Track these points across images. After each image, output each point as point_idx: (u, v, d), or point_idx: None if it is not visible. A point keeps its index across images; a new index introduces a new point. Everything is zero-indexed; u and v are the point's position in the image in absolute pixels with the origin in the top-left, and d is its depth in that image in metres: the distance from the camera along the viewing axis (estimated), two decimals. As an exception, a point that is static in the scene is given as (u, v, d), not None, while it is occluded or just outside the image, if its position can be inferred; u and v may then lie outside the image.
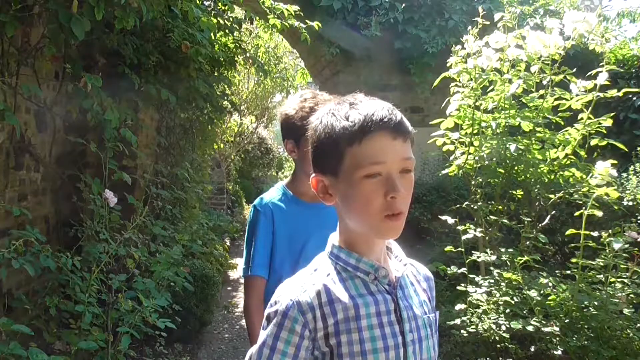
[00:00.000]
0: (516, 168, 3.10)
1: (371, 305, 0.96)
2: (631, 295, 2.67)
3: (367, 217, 0.94)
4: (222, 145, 9.14)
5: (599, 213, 2.63)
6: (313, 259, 1.06)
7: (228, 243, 7.54)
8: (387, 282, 0.99)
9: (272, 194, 1.77)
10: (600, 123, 2.82)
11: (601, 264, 2.67)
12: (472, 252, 3.04)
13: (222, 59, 4.24)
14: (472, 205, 3.21)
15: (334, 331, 0.94)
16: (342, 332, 0.93)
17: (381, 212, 0.93)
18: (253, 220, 1.74)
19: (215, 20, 3.66)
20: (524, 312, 2.79)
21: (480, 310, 2.88)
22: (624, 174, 4.35)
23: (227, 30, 4.03)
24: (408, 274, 1.05)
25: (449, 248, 3.07)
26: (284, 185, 1.78)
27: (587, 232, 2.60)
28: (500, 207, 3.25)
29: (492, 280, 2.92)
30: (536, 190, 3.09)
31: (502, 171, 3.12)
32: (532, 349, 2.78)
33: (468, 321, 2.85)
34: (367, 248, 0.99)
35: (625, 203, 3.95)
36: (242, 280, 1.87)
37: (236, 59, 4.73)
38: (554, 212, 3.24)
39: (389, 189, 0.91)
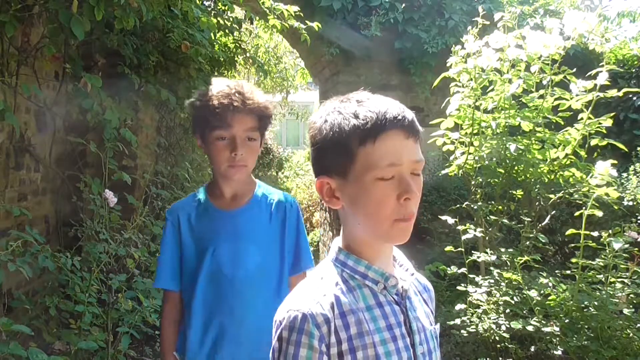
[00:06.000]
0: (516, 168, 3.10)
1: (381, 319, 0.90)
2: (631, 295, 2.67)
3: (378, 221, 0.88)
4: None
5: (599, 213, 2.62)
6: (317, 266, 0.99)
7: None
8: (396, 292, 0.94)
9: (186, 199, 1.66)
10: (600, 123, 2.82)
11: (601, 264, 2.66)
12: (472, 252, 3.04)
13: (222, 59, 4.24)
14: (472, 205, 3.21)
15: (348, 348, 0.86)
16: (358, 348, 0.86)
17: (392, 216, 0.87)
18: (164, 228, 1.63)
19: (215, 20, 3.66)
20: (524, 312, 2.79)
21: (480, 310, 2.88)
22: (624, 174, 4.35)
23: (227, 30, 4.03)
24: (413, 283, 1.00)
25: (449, 248, 3.07)
26: (205, 186, 1.65)
27: (587, 232, 2.60)
28: (500, 207, 3.25)
29: (492, 280, 2.92)
30: (536, 190, 3.09)
31: (502, 171, 3.12)
32: (532, 349, 2.78)
33: (468, 321, 2.85)
34: (375, 254, 0.93)
35: (625, 203, 3.96)
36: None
37: (236, 59, 4.73)
38: (554, 212, 3.23)
39: (402, 190, 0.86)
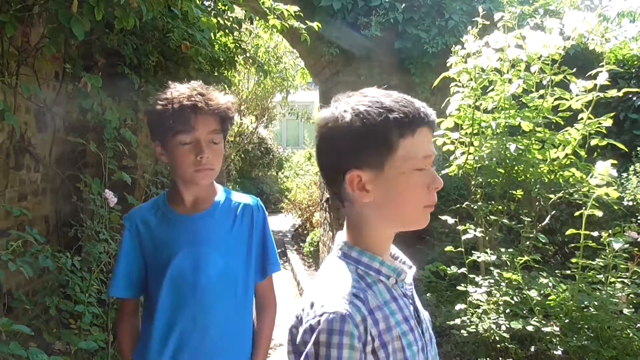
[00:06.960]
0: (516, 168, 3.10)
1: (398, 312, 0.92)
2: (631, 295, 2.67)
3: (412, 209, 0.95)
4: (222, 145, 9.12)
5: (599, 213, 2.63)
6: (324, 262, 0.98)
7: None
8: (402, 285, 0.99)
9: (144, 206, 1.60)
10: (600, 123, 2.82)
11: (601, 264, 2.67)
12: (472, 252, 3.04)
13: (222, 59, 4.23)
14: (472, 205, 3.21)
15: (380, 343, 0.86)
16: (388, 342, 0.87)
17: (423, 203, 0.95)
18: (122, 235, 1.57)
19: (215, 20, 3.65)
20: (524, 312, 2.79)
21: (480, 310, 2.88)
22: (624, 174, 4.35)
23: (227, 30, 4.02)
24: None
25: (449, 248, 3.07)
26: (165, 193, 1.59)
27: (587, 232, 2.60)
28: (500, 207, 3.25)
29: (492, 280, 2.92)
30: (536, 190, 3.09)
31: (502, 171, 3.12)
32: (532, 349, 2.78)
33: (468, 321, 2.85)
34: (384, 249, 0.98)
35: (625, 203, 3.96)
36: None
37: (236, 59, 4.72)
38: (554, 212, 3.24)
39: (431, 181, 0.94)
